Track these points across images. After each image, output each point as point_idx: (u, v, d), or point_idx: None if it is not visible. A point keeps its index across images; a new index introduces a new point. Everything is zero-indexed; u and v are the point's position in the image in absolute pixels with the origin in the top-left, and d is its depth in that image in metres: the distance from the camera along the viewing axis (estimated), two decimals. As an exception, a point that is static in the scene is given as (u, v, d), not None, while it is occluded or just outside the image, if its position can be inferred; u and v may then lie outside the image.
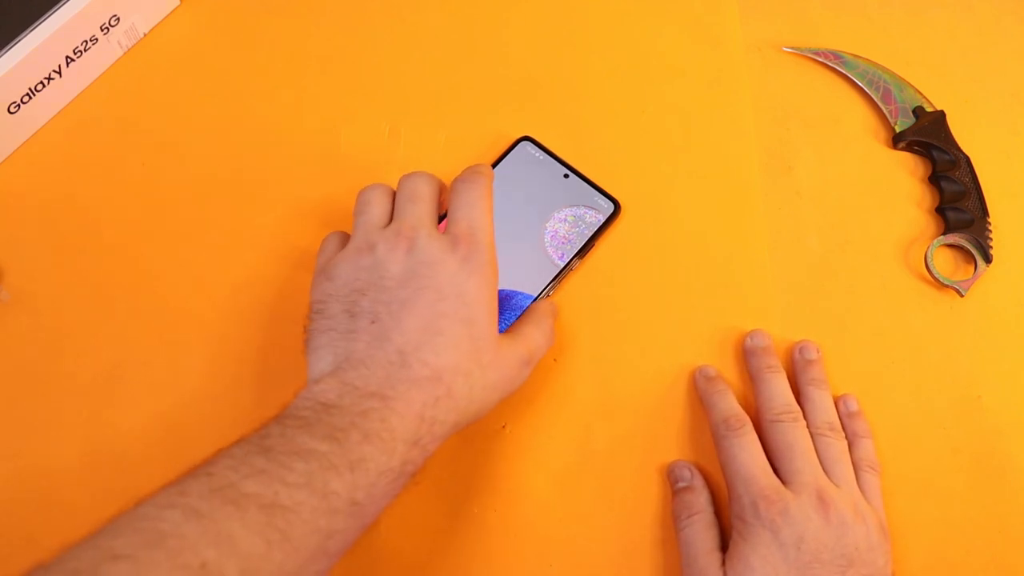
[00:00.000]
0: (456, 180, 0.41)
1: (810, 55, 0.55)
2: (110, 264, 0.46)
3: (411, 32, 0.54)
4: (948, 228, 0.49)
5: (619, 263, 0.48)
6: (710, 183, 0.51)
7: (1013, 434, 0.45)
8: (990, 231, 0.49)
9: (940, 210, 0.50)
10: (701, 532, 0.39)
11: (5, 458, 0.41)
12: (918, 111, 0.52)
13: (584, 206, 0.48)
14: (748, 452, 0.40)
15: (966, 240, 0.48)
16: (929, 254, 0.48)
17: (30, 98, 0.47)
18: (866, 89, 0.53)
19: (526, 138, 0.49)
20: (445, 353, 0.35)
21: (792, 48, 0.55)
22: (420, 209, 0.39)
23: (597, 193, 0.48)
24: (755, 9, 0.56)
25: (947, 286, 0.47)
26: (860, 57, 0.54)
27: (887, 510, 0.41)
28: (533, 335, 0.40)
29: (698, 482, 0.42)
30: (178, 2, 0.54)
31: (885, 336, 0.47)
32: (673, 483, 0.42)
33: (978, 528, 0.43)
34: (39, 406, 0.42)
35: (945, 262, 0.49)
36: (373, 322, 0.36)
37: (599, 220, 0.47)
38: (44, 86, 0.48)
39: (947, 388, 0.46)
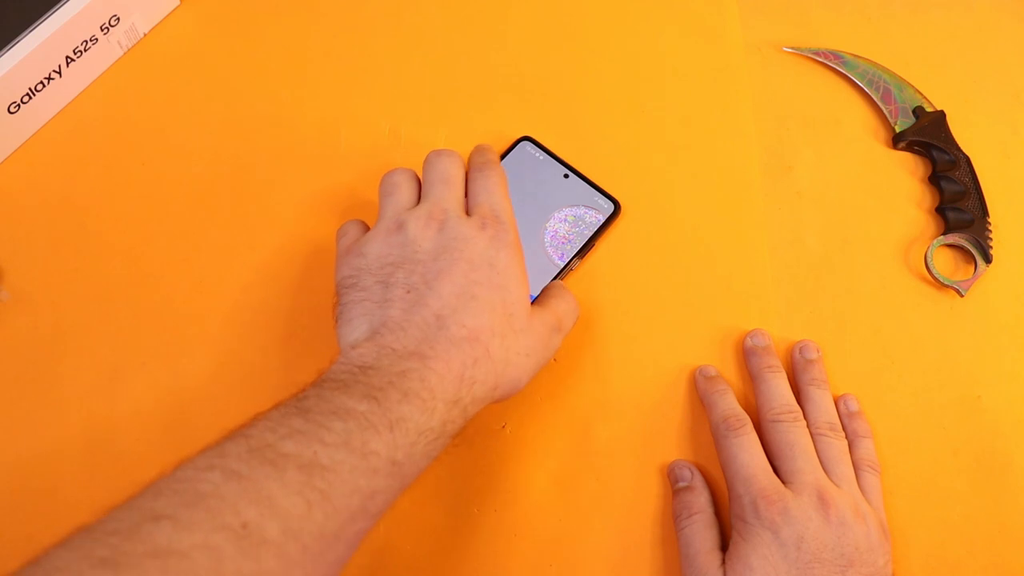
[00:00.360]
0: (471, 169, 0.42)
1: (810, 55, 0.55)
2: (110, 264, 0.46)
3: (411, 32, 0.54)
4: (948, 228, 0.49)
5: (619, 263, 0.48)
6: (710, 183, 0.51)
7: (1013, 434, 0.45)
8: (990, 231, 0.49)
9: (940, 210, 0.50)
10: (701, 532, 0.39)
11: (5, 457, 0.41)
12: (918, 111, 0.52)
13: (584, 206, 0.48)
14: (748, 452, 0.40)
15: (966, 240, 0.48)
16: (929, 254, 0.48)
17: (30, 98, 0.47)
18: (866, 89, 0.53)
19: (526, 138, 0.49)
20: (482, 315, 0.36)
21: (792, 48, 0.55)
22: (450, 192, 0.40)
23: (597, 193, 0.48)
24: (755, 9, 0.56)
25: (947, 286, 0.47)
26: (860, 57, 0.54)
27: (887, 510, 0.41)
28: (559, 305, 0.40)
29: (698, 482, 0.42)
30: (178, 2, 0.54)
31: (885, 336, 0.47)
32: (673, 483, 0.42)
33: (978, 528, 0.43)
34: (39, 406, 0.42)
35: (945, 262, 0.49)
36: (408, 291, 0.36)
37: (599, 220, 0.47)
38: (44, 86, 0.48)
39: (947, 388, 0.46)
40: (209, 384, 0.43)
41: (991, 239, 0.48)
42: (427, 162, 0.42)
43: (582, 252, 0.47)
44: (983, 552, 0.42)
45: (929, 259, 0.48)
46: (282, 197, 0.48)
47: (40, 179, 0.48)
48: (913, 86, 0.53)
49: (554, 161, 0.49)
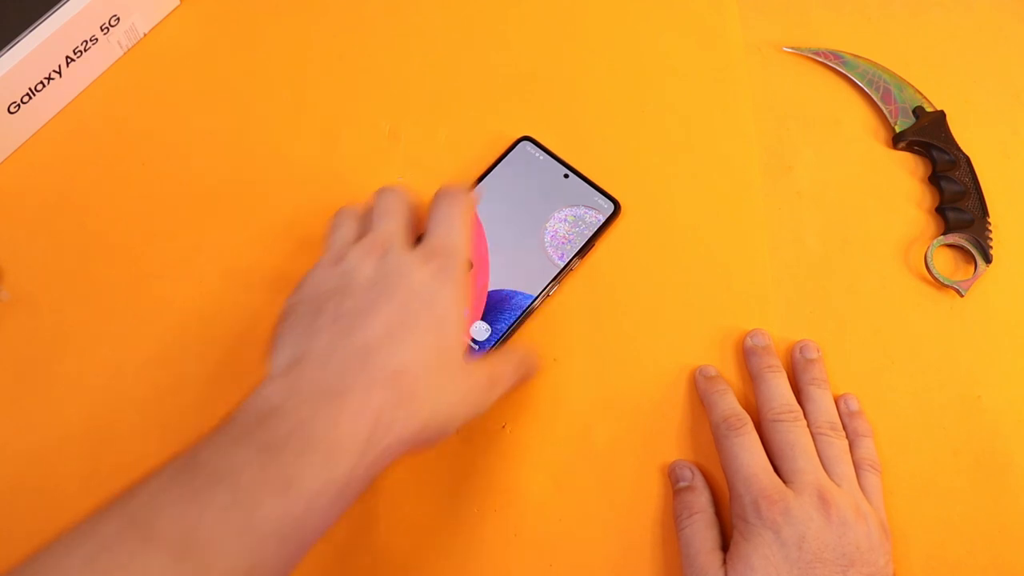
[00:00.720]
0: (436, 195, 0.40)
1: (810, 55, 0.55)
2: (110, 264, 0.46)
3: (411, 32, 0.54)
4: (948, 228, 0.49)
5: (619, 263, 0.48)
6: (710, 183, 0.51)
7: (1013, 434, 0.45)
8: (990, 231, 0.49)
9: (940, 210, 0.50)
10: (702, 531, 0.39)
11: (5, 457, 0.41)
12: (918, 111, 0.52)
13: (584, 206, 0.48)
14: (749, 452, 0.40)
15: (966, 240, 0.48)
16: (929, 254, 0.48)
17: (30, 98, 0.47)
18: (866, 89, 0.53)
19: (526, 138, 0.49)
20: (412, 352, 0.33)
21: (792, 48, 0.55)
22: (393, 223, 0.39)
23: (597, 193, 0.48)
24: (755, 9, 0.56)
25: (947, 286, 0.47)
26: (860, 57, 0.54)
27: (887, 510, 0.41)
28: (500, 363, 0.38)
29: (699, 482, 0.42)
30: (178, 2, 0.54)
31: (885, 336, 0.47)
32: (674, 483, 0.42)
33: (978, 528, 0.43)
34: (39, 405, 0.42)
35: (945, 262, 0.49)
36: (336, 321, 0.34)
37: (599, 220, 0.47)
38: (44, 86, 0.48)
39: (947, 388, 0.46)
40: (209, 384, 0.43)
41: (991, 239, 0.48)
42: (373, 197, 0.41)
43: (582, 252, 0.47)
44: (983, 552, 0.42)
45: (929, 259, 0.48)
46: (282, 196, 0.48)
47: (40, 179, 0.48)
48: (913, 86, 0.53)
49: (554, 161, 0.49)
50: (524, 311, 0.44)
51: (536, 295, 0.45)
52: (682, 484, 0.42)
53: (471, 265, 0.38)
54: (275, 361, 0.34)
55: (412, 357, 0.33)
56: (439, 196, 0.40)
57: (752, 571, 0.36)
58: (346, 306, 0.35)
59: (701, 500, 0.41)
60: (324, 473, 0.30)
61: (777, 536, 0.37)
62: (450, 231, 0.38)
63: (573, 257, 0.46)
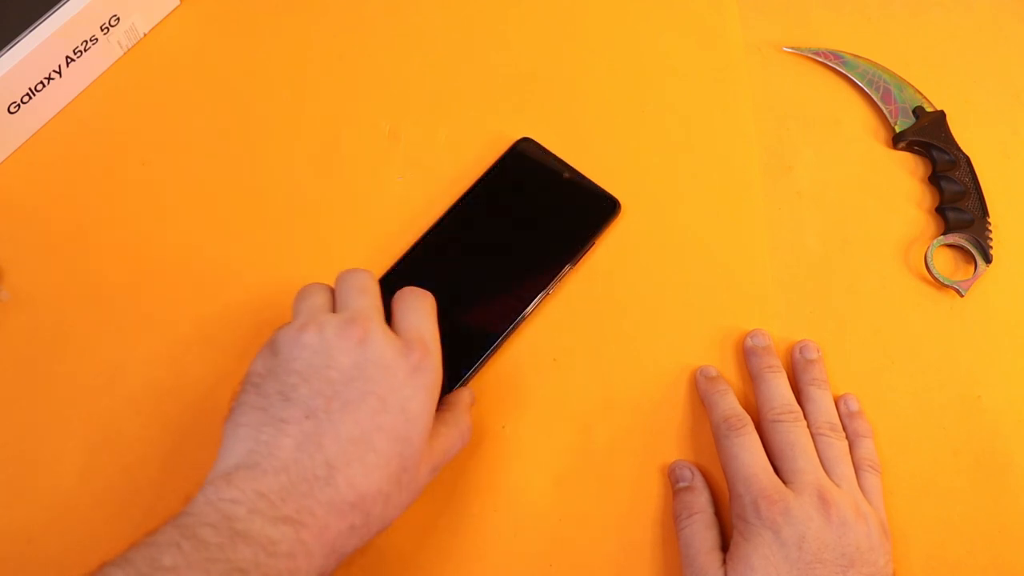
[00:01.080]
0: (397, 293, 0.39)
1: (810, 55, 0.55)
2: (110, 264, 0.46)
3: (411, 32, 0.54)
4: (948, 228, 0.49)
5: (619, 263, 0.48)
6: (710, 183, 0.51)
7: (1013, 434, 0.45)
8: (990, 231, 0.49)
9: (940, 210, 0.50)
10: (701, 532, 0.39)
11: (5, 458, 0.41)
12: (918, 111, 0.52)
13: (584, 205, 0.48)
14: (749, 452, 0.40)
15: (966, 240, 0.48)
16: (929, 254, 0.48)
17: (30, 98, 0.47)
18: (866, 89, 0.53)
19: (525, 139, 0.49)
20: (374, 475, 0.32)
21: (792, 48, 0.55)
22: (369, 301, 0.37)
23: (597, 192, 0.48)
24: (755, 9, 0.56)
25: (947, 286, 0.47)
26: (860, 57, 0.54)
27: (887, 510, 0.41)
28: (450, 436, 0.37)
29: (699, 482, 0.42)
30: (178, 2, 0.54)
31: (885, 336, 0.47)
32: (674, 483, 0.42)
33: (978, 528, 0.43)
34: (39, 406, 0.42)
35: (945, 262, 0.49)
36: (307, 417, 0.32)
37: (599, 220, 0.47)
38: (44, 86, 0.48)
39: (947, 388, 0.46)
40: (210, 384, 0.43)
41: (991, 239, 0.48)
42: (339, 278, 0.38)
43: (582, 252, 0.47)
44: (983, 552, 0.42)
45: (929, 259, 0.48)
46: (282, 196, 0.48)
47: (40, 179, 0.48)
48: (913, 86, 0.53)
49: (554, 161, 0.49)
50: (444, 404, 0.40)
51: (537, 296, 0.45)
52: (682, 484, 0.42)
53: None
54: (235, 445, 0.32)
55: (373, 481, 0.32)
56: (402, 291, 0.38)
57: (752, 571, 0.36)
58: (319, 400, 0.33)
59: (701, 500, 0.41)
60: None
61: (777, 536, 0.37)
62: (423, 323, 0.37)
63: (573, 256, 0.46)
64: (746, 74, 0.54)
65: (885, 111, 0.53)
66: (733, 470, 0.40)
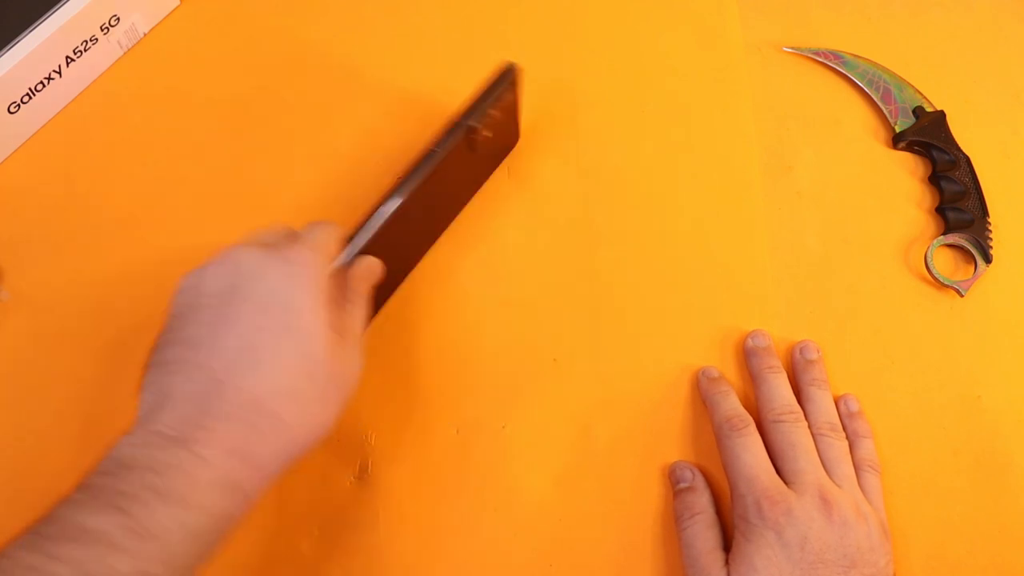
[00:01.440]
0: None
1: (810, 55, 0.55)
2: (110, 264, 0.46)
3: (411, 32, 0.54)
4: (948, 228, 0.49)
5: (619, 263, 0.48)
6: (710, 183, 0.51)
7: (1013, 434, 0.45)
8: (990, 231, 0.49)
9: (940, 210, 0.50)
10: (703, 532, 0.39)
11: (5, 458, 0.41)
12: (918, 111, 0.52)
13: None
14: (751, 452, 0.40)
15: (966, 240, 0.48)
16: (929, 254, 0.48)
17: (30, 98, 0.47)
18: (866, 89, 0.53)
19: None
20: (269, 375, 0.32)
21: (792, 48, 0.55)
22: (262, 233, 0.37)
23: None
24: (755, 9, 0.56)
25: (947, 286, 0.47)
26: (860, 57, 0.54)
27: (887, 510, 0.41)
28: (355, 312, 0.36)
29: (699, 482, 0.42)
30: (178, 2, 0.54)
31: (885, 336, 0.47)
32: (675, 484, 0.42)
33: (978, 528, 0.43)
34: (39, 406, 0.42)
35: (945, 262, 0.49)
36: (191, 349, 0.32)
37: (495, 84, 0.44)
38: (44, 86, 0.48)
39: (947, 388, 0.46)
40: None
41: (991, 239, 0.48)
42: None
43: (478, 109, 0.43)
44: (983, 552, 0.42)
45: (929, 259, 0.48)
46: (282, 196, 0.48)
47: (40, 179, 0.48)
48: (913, 86, 0.53)
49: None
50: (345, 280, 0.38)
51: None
52: (683, 485, 0.42)
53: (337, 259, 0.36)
54: (141, 408, 0.32)
55: (270, 381, 0.32)
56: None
57: (755, 571, 0.36)
58: (202, 329, 0.33)
59: (702, 501, 0.41)
60: (189, 522, 0.29)
61: (779, 537, 0.37)
62: (307, 231, 0.37)
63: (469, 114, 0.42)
64: (746, 74, 0.54)
65: (885, 111, 0.53)
66: (735, 470, 0.40)
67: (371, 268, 0.39)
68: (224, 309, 0.33)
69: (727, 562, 0.38)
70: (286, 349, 0.32)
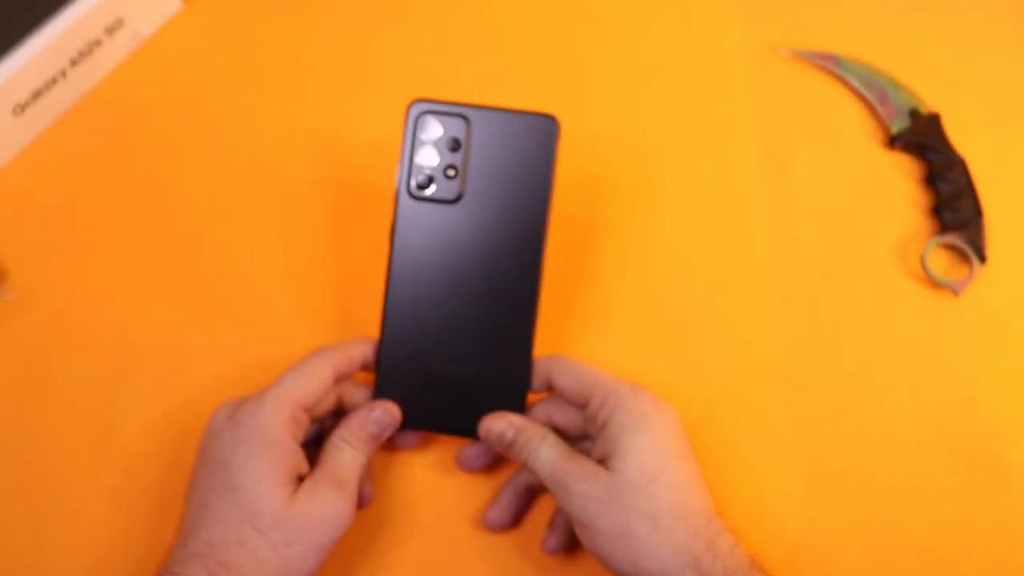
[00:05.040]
0: None
1: (807, 58, 0.55)
2: (115, 265, 0.46)
3: (411, 34, 0.55)
4: (944, 229, 0.50)
5: (618, 265, 0.48)
6: (708, 185, 0.51)
7: (1007, 433, 0.45)
8: (985, 231, 0.49)
9: (936, 211, 0.50)
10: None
11: (10, 457, 0.41)
12: (914, 113, 0.53)
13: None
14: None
15: (961, 240, 0.49)
16: (925, 254, 0.48)
17: (35, 100, 0.48)
18: (862, 92, 0.54)
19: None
20: (213, 524, 0.34)
21: (789, 51, 0.55)
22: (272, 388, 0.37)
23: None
24: (753, 12, 0.57)
25: (943, 286, 0.48)
26: (856, 60, 0.55)
27: (884, 510, 0.41)
28: (343, 460, 0.37)
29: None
30: (181, 5, 0.54)
31: (881, 336, 0.47)
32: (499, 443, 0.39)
33: (973, 528, 0.43)
34: (44, 405, 0.43)
35: (941, 262, 0.49)
36: (186, 503, 0.36)
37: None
38: (49, 88, 0.48)
39: (942, 388, 0.46)
40: (213, 385, 0.43)
41: (986, 239, 0.49)
42: None
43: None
44: (977, 551, 0.42)
45: (925, 259, 0.48)
46: (283, 198, 0.49)
47: (45, 181, 0.48)
48: (909, 88, 0.54)
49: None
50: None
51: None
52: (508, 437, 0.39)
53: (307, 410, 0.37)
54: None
55: (214, 530, 0.34)
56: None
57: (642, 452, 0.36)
58: (191, 487, 0.36)
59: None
60: None
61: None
62: (281, 379, 0.37)
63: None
64: (743, 77, 0.54)
65: (881, 113, 0.53)
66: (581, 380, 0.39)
67: (380, 418, 0.39)
68: (195, 469, 0.36)
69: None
70: (228, 502, 0.34)
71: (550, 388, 0.40)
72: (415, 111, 0.40)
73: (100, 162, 0.49)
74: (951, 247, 0.49)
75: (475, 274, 0.40)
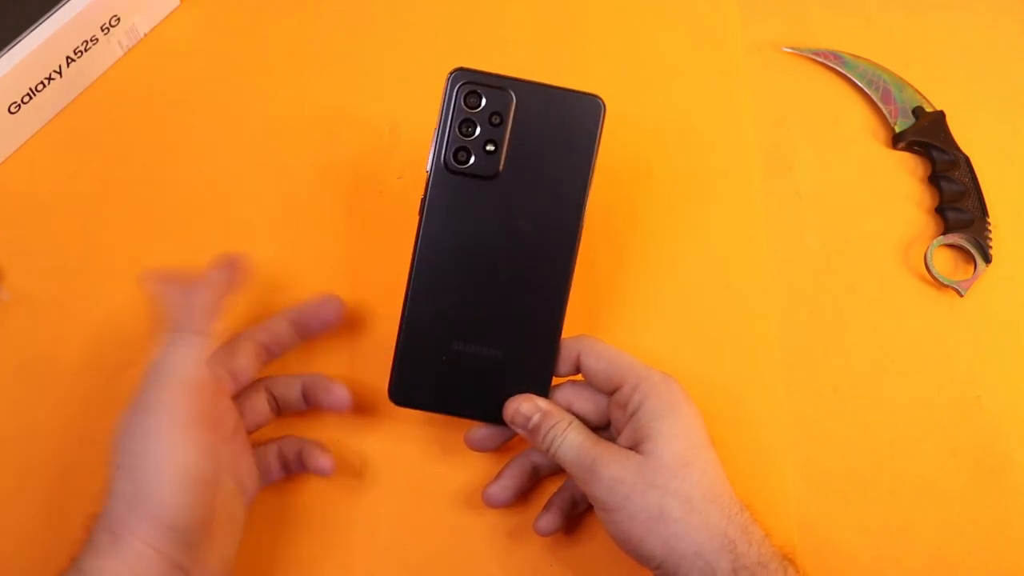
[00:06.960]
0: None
1: (810, 55, 0.55)
2: (111, 264, 0.46)
3: (411, 31, 0.54)
4: (948, 228, 0.49)
5: (618, 264, 0.48)
6: (710, 183, 0.51)
7: (1012, 434, 0.45)
8: (989, 231, 0.49)
9: (940, 210, 0.50)
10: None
11: (5, 457, 0.41)
12: (918, 111, 0.52)
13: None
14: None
15: (965, 240, 0.48)
16: (929, 254, 0.48)
17: (31, 98, 0.47)
18: (866, 89, 0.53)
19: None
20: (128, 436, 0.35)
21: (792, 48, 0.55)
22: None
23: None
24: (755, 9, 0.56)
25: (947, 286, 0.47)
26: (860, 57, 0.54)
27: (888, 511, 0.41)
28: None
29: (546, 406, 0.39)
30: (178, 2, 0.54)
31: (885, 336, 0.47)
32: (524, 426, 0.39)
33: (978, 528, 0.43)
34: (40, 407, 0.42)
35: (945, 262, 0.49)
36: None
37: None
38: (45, 86, 0.48)
39: (946, 388, 0.46)
40: (210, 384, 0.43)
41: (990, 239, 0.49)
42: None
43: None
44: (983, 552, 0.42)
45: (929, 259, 0.48)
46: (282, 197, 0.49)
47: (41, 179, 0.48)
48: (913, 86, 0.53)
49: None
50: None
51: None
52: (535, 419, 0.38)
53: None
54: None
55: (130, 441, 0.34)
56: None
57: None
58: None
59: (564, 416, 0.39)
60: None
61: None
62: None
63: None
64: (746, 74, 0.54)
65: (885, 111, 0.53)
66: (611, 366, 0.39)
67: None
68: None
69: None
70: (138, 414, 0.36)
71: (575, 371, 0.40)
72: (457, 80, 0.38)
73: (96, 161, 0.49)
74: (955, 247, 0.49)
75: (507, 253, 0.39)
